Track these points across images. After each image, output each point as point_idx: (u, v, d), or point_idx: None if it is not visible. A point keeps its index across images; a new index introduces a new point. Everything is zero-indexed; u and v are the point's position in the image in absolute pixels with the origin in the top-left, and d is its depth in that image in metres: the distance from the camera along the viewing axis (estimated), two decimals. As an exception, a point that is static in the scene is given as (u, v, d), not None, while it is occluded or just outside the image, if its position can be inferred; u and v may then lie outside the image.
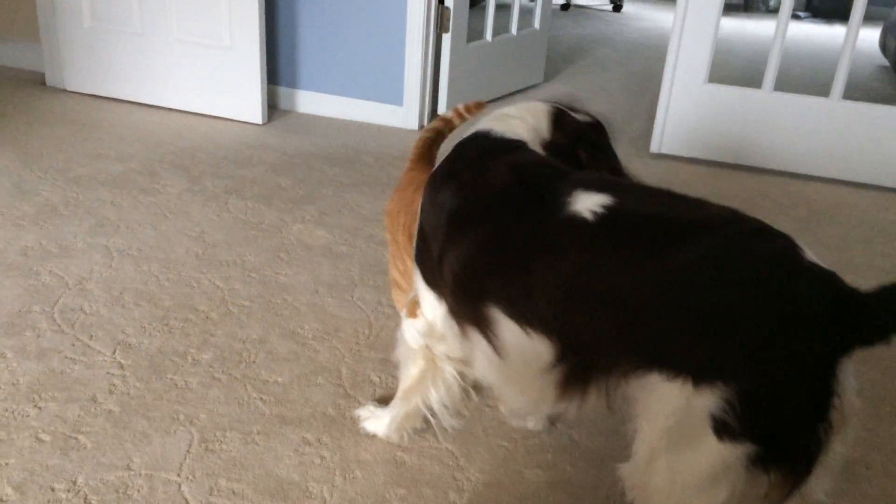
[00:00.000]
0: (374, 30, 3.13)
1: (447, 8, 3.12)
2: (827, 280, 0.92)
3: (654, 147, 3.05)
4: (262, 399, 1.52)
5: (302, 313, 1.83)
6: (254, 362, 1.63)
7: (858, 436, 1.53)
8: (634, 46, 5.24)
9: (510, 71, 3.70)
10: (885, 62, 4.80)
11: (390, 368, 1.64)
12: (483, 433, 1.48)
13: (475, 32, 3.42)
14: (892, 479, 1.42)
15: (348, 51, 3.20)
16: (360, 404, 1.52)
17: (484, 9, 3.46)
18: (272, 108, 3.33)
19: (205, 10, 3.00)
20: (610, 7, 6.78)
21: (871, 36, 5.40)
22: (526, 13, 3.75)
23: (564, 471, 1.41)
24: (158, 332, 1.72)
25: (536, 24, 3.80)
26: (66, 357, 1.61)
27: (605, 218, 1.01)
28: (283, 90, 3.34)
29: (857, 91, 4.07)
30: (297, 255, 2.10)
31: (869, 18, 6.22)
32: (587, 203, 1.03)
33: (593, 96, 3.87)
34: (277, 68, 3.31)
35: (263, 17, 2.97)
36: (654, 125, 3.04)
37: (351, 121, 3.28)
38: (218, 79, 3.11)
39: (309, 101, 3.33)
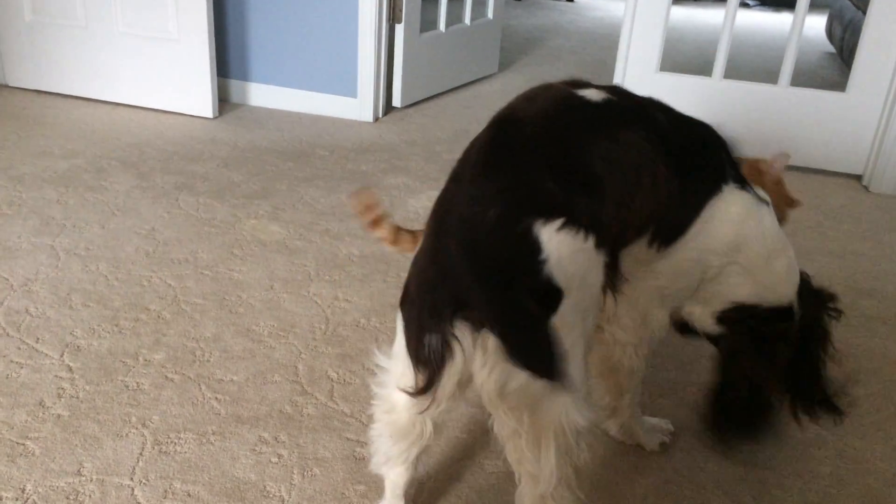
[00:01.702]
0: (326, 21, 3.09)
1: (399, -2, 3.10)
2: None
3: (609, 136, 3.07)
4: (216, 398, 1.50)
5: (257, 310, 1.80)
6: (208, 361, 1.60)
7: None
8: (588, 36, 5.27)
9: (464, 61, 3.69)
10: (832, 49, 4.90)
11: (348, 364, 1.62)
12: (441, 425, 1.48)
13: (428, 23, 3.40)
14: (845, 461, 1.45)
15: (300, 42, 3.15)
16: (317, 401, 1.51)
17: (437, -1, 3.44)
18: (223, 101, 3.27)
19: (150, 1, 2.93)
20: (563, -3, 6.81)
21: (818, 23, 5.52)
22: (479, 3, 3.74)
23: None
24: (108, 333, 1.67)
25: (490, 14, 3.79)
26: (11, 361, 1.56)
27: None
28: (234, 83, 3.29)
29: (805, 77, 4.15)
30: (251, 251, 2.06)
31: (816, 6, 6.34)
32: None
33: (548, 86, 3.89)
34: (228, 61, 3.25)
35: (211, 8, 2.91)
36: (608, 114, 3.06)
37: (304, 113, 3.24)
38: (166, 72, 3.04)
39: (261, 94, 3.28)
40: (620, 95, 1.13)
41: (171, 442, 1.38)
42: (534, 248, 0.95)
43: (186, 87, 3.04)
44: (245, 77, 3.27)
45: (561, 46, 4.87)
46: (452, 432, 1.46)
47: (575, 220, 0.98)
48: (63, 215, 2.19)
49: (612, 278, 1.12)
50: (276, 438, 1.40)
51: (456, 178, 1.04)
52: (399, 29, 3.15)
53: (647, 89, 2.96)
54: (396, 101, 3.31)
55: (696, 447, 1.46)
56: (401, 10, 3.11)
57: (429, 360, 0.99)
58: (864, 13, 2.81)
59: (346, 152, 2.83)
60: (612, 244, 1.07)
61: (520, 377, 0.96)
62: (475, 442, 1.44)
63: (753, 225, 1.19)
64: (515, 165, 1.01)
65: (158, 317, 1.74)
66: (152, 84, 3.08)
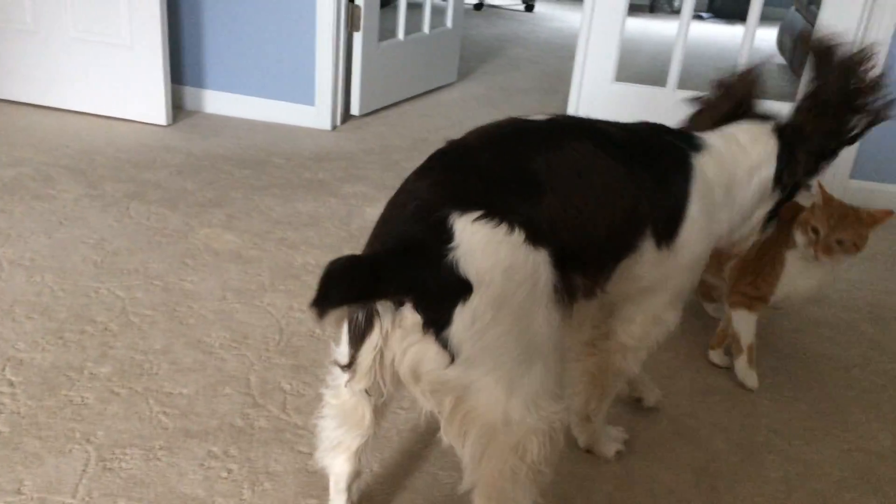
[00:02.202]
0: (283, 28, 3.07)
1: (357, 6, 3.08)
2: None
3: (566, 145, 3.09)
4: (164, 412, 1.46)
5: (209, 321, 1.76)
6: (156, 374, 1.56)
7: (760, 422, 1.59)
8: (547, 46, 5.31)
9: (423, 70, 3.69)
10: (783, 60, 5.01)
11: (301, 375, 1.60)
12: (397, 436, 1.46)
13: (387, 31, 3.40)
14: (794, 465, 1.47)
15: (257, 50, 3.12)
16: (269, 413, 1.48)
17: (396, 8, 3.43)
18: (177, 108, 3.22)
19: (103, 6, 2.87)
20: (522, 7, 6.86)
21: (770, 36, 5.64)
22: (438, 12, 3.75)
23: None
24: (52, 346, 1.62)
25: (449, 24, 3.80)
26: (-51, 376, 1.50)
27: None
28: (188, 90, 3.24)
29: (757, 89, 4.24)
30: (204, 261, 2.03)
31: (767, 19, 6.49)
32: None
33: (507, 95, 3.91)
34: (182, 67, 3.20)
35: (165, 14, 2.86)
36: (565, 123, 3.08)
37: (261, 121, 3.20)
38: (119, 78, 2.98)
39: (217, 102, 3.23)
40: (566, 116, 1.19)
41: (117, 458, 1.34)
42: (444, 235, 0.97)
43: (139, 94, 2.99)
44: (200, 84, 3.22)
45: (520, 56, 4.90)
46: (408, 444, 1.44)
47: (496, 213, 0.99)
48: (7, 224, 2.13)
49: (589, 286, 1.15)
50: (225, 452, 1.37)
51: (406, 180, 1.09)
52: (357, 37, 3.14)
53: (603, 99, 3.00)
54: (355, 110, 3.29)
55: (648, 454, 1.47)
56: (359, 19, 3.10)
57: (354, 335, 1.05)
58: (813, 25, 2.88)
59: (303, 160, 2.81)
60: (567, 246, 1.06)
61: (432, 359, 0.98)
62: (430, 452, 1.43)
63: (724, 169, 1.29)
64: (448, 168, 1.07)
65: (105, 329, 1.70)
66: (104, 91, 3.02)
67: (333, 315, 0.92)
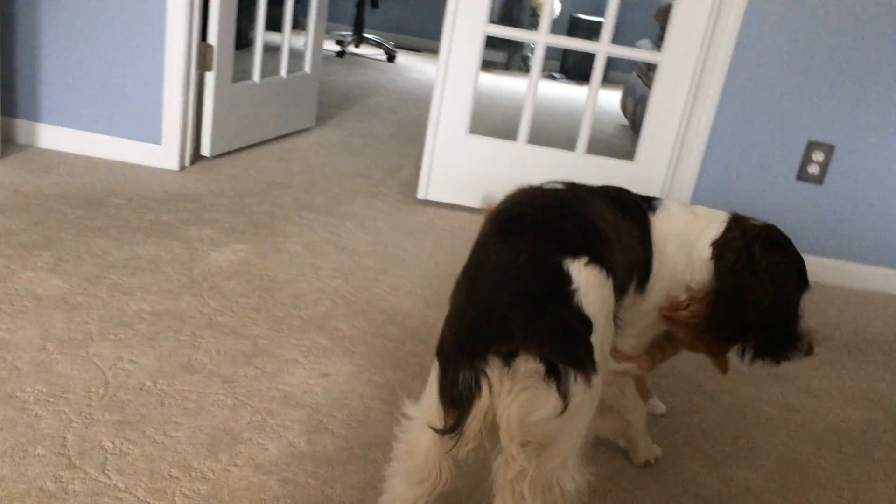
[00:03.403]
0: (129, 63, 2.93)
1: (210, 46, 3.01)
2: None
3: (421, 194, 3.13)
4: (-38, 478, 1.31)
5: (23, 374, 1.61)
6: (-44, 434, 1.40)
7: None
8: (406, 95, 5.40)
9: (280, 113, 3.64)
10: (626, 122, 5.35)
11: (126, 432, 1.48)
12: (229, 496, 1.38)
13: (243, 73, 3.33)
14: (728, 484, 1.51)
15: (100, 84, 2.96)
16: (86, 475, 1.36)
17: (252, 50, 3.38)
18: (7, 142, 2.99)
19: (-79, 28, 2.64)
20: (384, 57, 6.96)
21: (615, 98, 6.01)
22: (297, 57, 3.72)
23: (316, 530, 1.34)
24: None
25: (307, 69, 3.78)
26: None
27: None
28: (20, 123, 3.01)
29: (602, 146, 4.48)
30: (24, 307, 1.86)
31: (613, 82, 6.95)
32: None
33: (365, 142, 3.92)
34: (14, 99, 2.98)
35: (-5, 41, 2.67)
36: (420, 173, 3.12)
37: (102, 159, 3.02)
38: (-62, 107, 2.73)
39: (53, 136, 3.03)
40: (571, 182, 1.37)
41: None
42: (565, 278, 1.03)
43: (-38, 124, 2.75)
44: (34, 117, 3.01)
45: (380, 104, 4.95)
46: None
47: (597, 259, 1.08)
48: None
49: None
50: (32, 521, 1.24)
51: (481, 245, 1.17)
52: (210, 76, 3.06)
53: (458, 149, 3.06)
54: (205, 150, 3.18)
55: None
56: (212, 59, 3.02)
57: (460, 398, 1.02)
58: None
59: (145, 201, 2.67)
60: (619, 290, 1.21)
61: (549, 405, 0.98)
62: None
63: (673, 226, 1.42)
64: (533, 227, 1.15)
65: None
66: (-80, 119, 2.75)
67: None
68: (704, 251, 1.40)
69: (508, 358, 0.98)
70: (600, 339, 1.05)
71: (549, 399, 0.98)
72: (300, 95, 3.77)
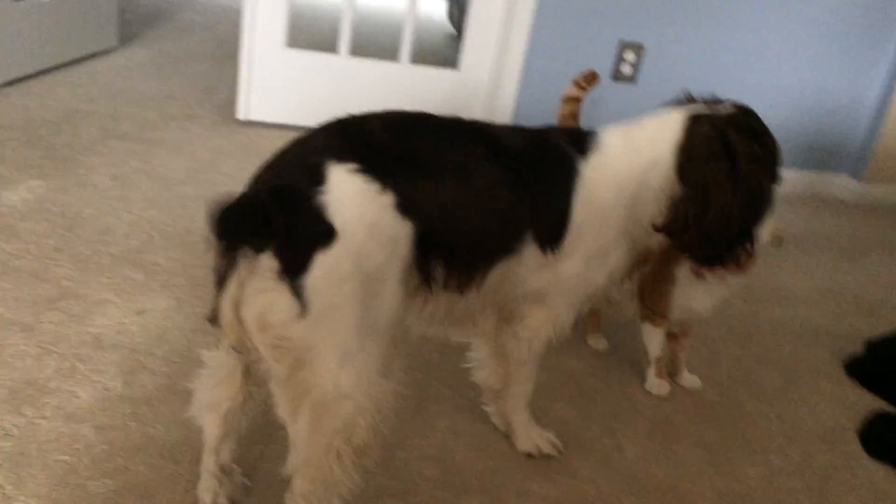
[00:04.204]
0: None
1: (-23, -43, 2.64)
2: None
3: (241, 114, 2.97)
4: None
5: None
6: None
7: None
8: (222, 10, 5.05)
9: (74, 34, 3.29)
10: (453, 30, 5.31)
11: None
12: (37, 451, 1.28)
13: (22, -12, 2.96)
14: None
15: None
16: None
17: (30, -39, 3.00)
18: None
19: None
20: (197, -31, 6.45)
21: (441, 5, 5.92)
22: (87, -31, 3.35)
23: (137, 472, 1.28)
24: None
25: (102, -18, 3.42)
26: None
27: None
28: None
29: (430, 56, 4.42)
30: None
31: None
32: None
33: (177, 62, 3.64)
34: None
35: None
36: (238, 92, 2.95)
37: None
38: None
39: None
40: (472, 120, 1.23)
41: None
42: (317, 177, 0.99)
43: None
44: None
45: (192, 20, 4.60)
46: (52, 456, 1.27)
47: (373, 172, 1.02)
48: None
49: (460, 281, 1.18)
50: None
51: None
52: (-19, -7, 2.69)
53: (276, 65, 2.91)
54: (-14, 79, 2.83)
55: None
56: (-20, -28, 2.65)
57: (217, 285, 1.01)
58: None
59: (-83, 140, 2.35)
60: (434, 231, 1.09)
61: (282, 308, 0.96)
62: (79, 462, 1.27)
63: (613, 170, 1.26)
64: (342, 128, 1.11)
65: None
66: None
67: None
68: (666, 173, 1.26)
69: (258, 249, 0.96)
70: (352, 252, 0.98)
71: (284, 300, 0.97)
72: (96, 13, 3.42)
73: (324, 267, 0.97)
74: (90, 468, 1.27)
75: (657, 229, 1.28)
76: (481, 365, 1.46)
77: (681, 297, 1.62)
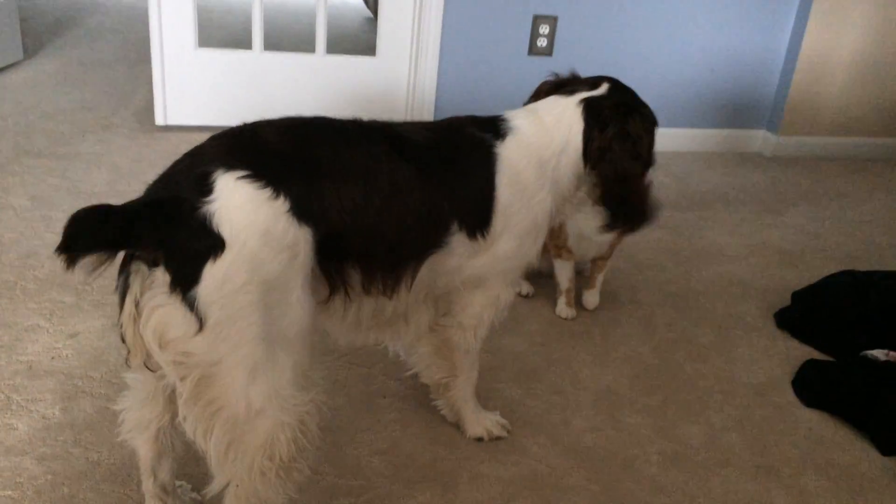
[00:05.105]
0: None
1: None
2: None
3: (160, 119, 2.89)
4: None
5: None
6: None
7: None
8: (131, 12, 4.89)
9: (-26, 49, 3.15)
10: (370, 14, 5.26)
11: None
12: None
13: (-89, 5, 2.81)
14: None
15: None
16: None
17: (-83, -24, 2.85)
18: None
19: None
20: (99, -31, 6.21)
21: (357, -9, 5.85)
22: (-20, -21, 3.20)
23: (85, 500, 1.27)
24: None
25: (-2, -8, 3.27)
26: None
27: None
28: None
29: (348, 43, 4.38)
30: None
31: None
32: None
33: (87, 70, 3.52)
34: None
35: None
36: (154, 96, 2.88)
37: None
38: None
39: None
40: (372, 121, 1.22)
41: None
42: (205, 187, 0.96)
43: None
44: None
45: (101, 24, 4.44)
46: (-11, 495, 1.24)
47: (264, 178, 0.99)
48: None
49: (386, 282, 1.17)
50: None
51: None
52: None
53: (189, 67, 2.84)
54: None
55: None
56: None
57: (119, 302, 1.00)
58: (381, -18, 3.02)
59: None
60: (341, 235, 1.07)
61: (178, 323, 0.94)
62: (24, 497, 1.24)
63: (531, 151, 1.30)
64: (234, 136, 1.08)
65: None
66: None
67: (84, 264, 0.90)
68: (576, 158, 1.35)
69: (152, 265, 0.95)
70: (242, 260, 0.95)
71: (178, 315, 0.94)
72: (-4, 24, 3.28)
73: (215, 277, 0.94)
74: (35, 501, 1.25)
75: (607, 230, 1.42)
76: (425, 365, 1.46)
77: (572, 226, 1.88)
